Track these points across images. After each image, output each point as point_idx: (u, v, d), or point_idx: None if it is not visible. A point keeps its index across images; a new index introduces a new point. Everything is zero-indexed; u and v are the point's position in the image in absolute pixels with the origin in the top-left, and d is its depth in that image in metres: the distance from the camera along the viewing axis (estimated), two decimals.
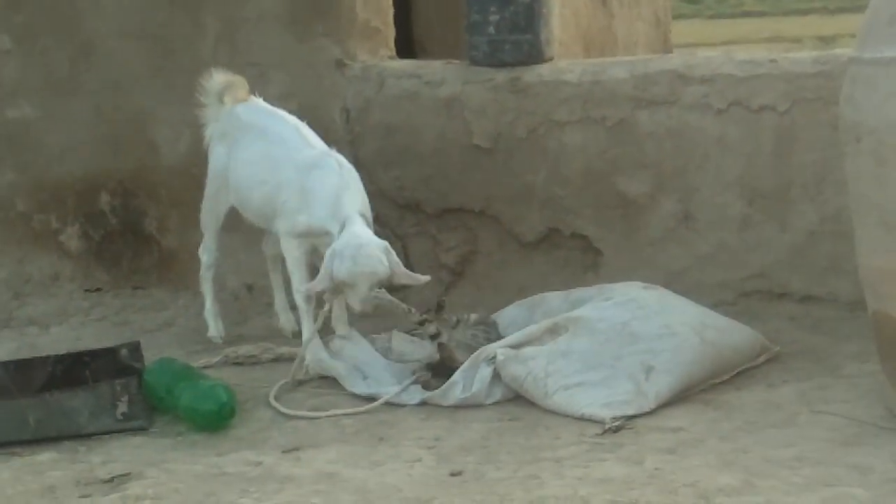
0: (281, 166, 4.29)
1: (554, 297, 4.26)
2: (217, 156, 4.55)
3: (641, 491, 3.19)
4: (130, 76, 5.16)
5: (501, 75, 4.75)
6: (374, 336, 4.32)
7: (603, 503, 3.13)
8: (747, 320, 4.17)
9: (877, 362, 3.66)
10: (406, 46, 5.77)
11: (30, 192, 5.36)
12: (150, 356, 4.16)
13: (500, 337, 4.09)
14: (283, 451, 3.63)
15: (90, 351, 4.23)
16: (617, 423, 3.62)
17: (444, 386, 3.91)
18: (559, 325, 3.98)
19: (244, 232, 4.64)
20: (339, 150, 4.32)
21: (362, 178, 4.30)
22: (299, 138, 4.34)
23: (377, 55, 5.02)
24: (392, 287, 4.08)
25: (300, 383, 4.14)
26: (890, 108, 3.39)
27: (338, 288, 4.02)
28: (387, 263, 3.98)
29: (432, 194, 4.86)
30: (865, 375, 3.84)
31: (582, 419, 3.69)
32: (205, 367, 4.30)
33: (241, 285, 5.06)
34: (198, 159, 4.69)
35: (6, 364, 4.16)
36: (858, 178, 3.51)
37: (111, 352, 4.15)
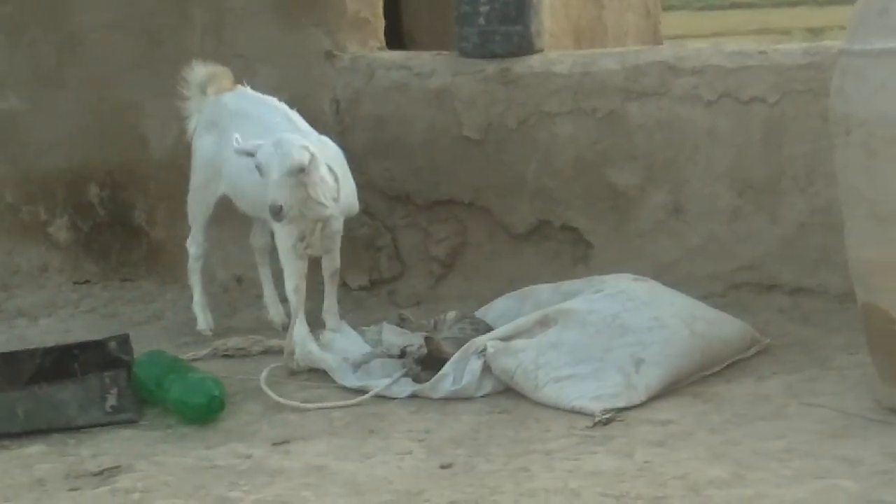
0: None
1: (544, 289, 4.25)
2: (204, 146, 4.53)
3: (631, 483, 3.19)
4: (118, 68, 5.14)
5: (492, 66, 4.73)
6: (365, 328, 4.31)
7: (593, 496, 3.13)
8: (737, 312, 4.17)
9: (866, 354, 3.66)
10: (396, 37, 5.75)
11: (18, 183, 5.34)
12: (139, 348, 4.15)
13: (488, 328, 4.08)
14: (273, 444, 3.63)
15: (79, 343, 4.22)
16: (607, 416, 3.61)
17: (434, 378, 3.90)
18: (549, 317, 3.97)
19: (233, 224, 4.63)
20: None
21: (352, 170, 4.29)
22: (289, 124, 4.32)
23: (367, 46, 5.00)
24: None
25: (293, 373, 4.14)
26: (880, 99, 3.38)
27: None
28: (306, 156, 3.94)
29: (422, 186, 4.85)
30: (855, 367, 3.84)
31: (572, 412, 3.68)
32: (194, 360, 4.29)
33: (231, 277, 5.05)
34: (186, 151, 4.66)
35: None
36: (848, 170, 3.51)
37: (100, 344, 4.14)
